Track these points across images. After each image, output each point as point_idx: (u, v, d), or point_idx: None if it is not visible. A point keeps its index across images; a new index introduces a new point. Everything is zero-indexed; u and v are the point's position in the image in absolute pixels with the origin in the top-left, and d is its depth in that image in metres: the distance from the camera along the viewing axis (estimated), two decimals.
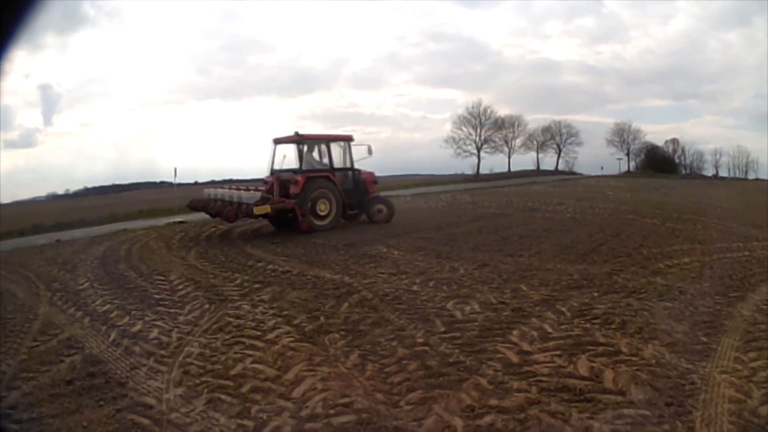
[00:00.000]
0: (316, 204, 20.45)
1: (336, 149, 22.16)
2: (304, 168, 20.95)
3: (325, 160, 21.65)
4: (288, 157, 21.92)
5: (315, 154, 22.05)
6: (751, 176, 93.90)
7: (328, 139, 22.33)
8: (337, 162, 21.93)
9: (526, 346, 7.58)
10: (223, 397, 6.09)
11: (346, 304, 9.75)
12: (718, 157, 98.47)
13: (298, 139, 21.59)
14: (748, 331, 8.53)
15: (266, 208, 19.23)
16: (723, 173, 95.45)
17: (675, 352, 7.52)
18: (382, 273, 12.37)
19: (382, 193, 24.59)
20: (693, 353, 7.49)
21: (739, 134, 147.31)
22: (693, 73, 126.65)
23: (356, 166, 22.49)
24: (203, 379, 6.57)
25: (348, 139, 22.58)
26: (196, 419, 5.62)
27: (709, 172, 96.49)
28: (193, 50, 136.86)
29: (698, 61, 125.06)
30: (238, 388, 6.30)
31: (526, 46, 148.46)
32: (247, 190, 21.97)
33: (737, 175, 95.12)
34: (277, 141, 21.99)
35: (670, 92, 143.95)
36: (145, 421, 5.54)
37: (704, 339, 8.08)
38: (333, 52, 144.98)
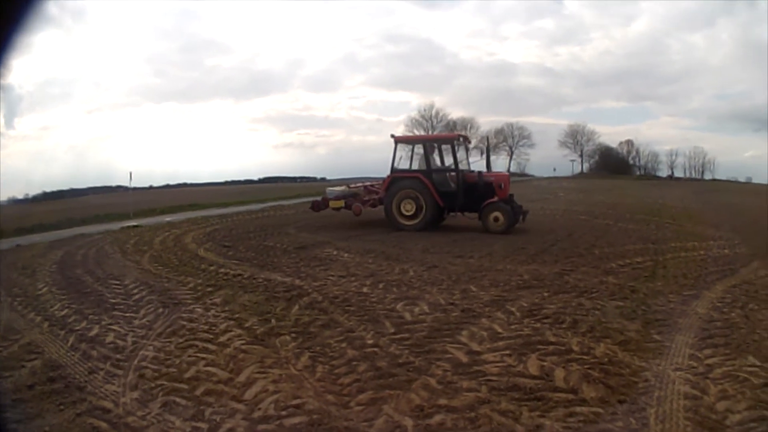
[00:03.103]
0: (401, 204, 20.65)
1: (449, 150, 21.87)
2: (416, 168, 21.33)
3: (449, 161, 21.62)
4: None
5: (435, 155, 22.07)
6: (708, 176, 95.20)
7: (431, 140, 23.07)
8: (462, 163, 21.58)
9: (475, 346, 7.65)
10: (177, 400, 6.08)
11: (296, 307, 9.80)
12: (673, 158, 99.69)
13: (415, 140, 22.96)
14: (703, 328, 8.71)
15: (340, 203, 22.54)
16: (679, 174, 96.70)
17: (627, 350, 7.61)
18: (332, 275, 12.44)
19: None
20: (646, 351, 7.61)
21: (696, 135, 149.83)
22: (652, 74, 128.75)
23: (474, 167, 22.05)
24: (158, 382, 6.55)
25: (453, 139, 22.14)
26: (152, 422, 5.59)
27: (664, 173, 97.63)
28: (152, 51, 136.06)
29: (658, 63, 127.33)
30: (192, 391, 6.30)
31: (483, 47, 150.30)
32: (365, 187, 24.84)
33: (693, 175, 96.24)
34: (398, 140, 22.19)
35: (627, 94, 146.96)
36: (104, 425, 5.52)
37: (658, 337, 8.22)
38: (290, 53, 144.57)
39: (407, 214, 20.60)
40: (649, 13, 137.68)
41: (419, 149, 21.91)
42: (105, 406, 5.98)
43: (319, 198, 23.62)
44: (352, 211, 22.19)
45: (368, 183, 26.11)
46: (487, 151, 23.25)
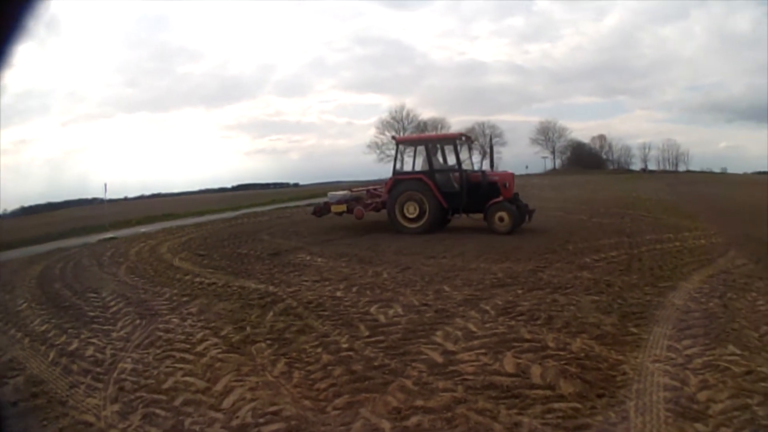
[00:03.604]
0: (404, 206, 20.33)
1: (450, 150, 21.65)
2: (419, 169, 21.00)
3: (451, 161, 21.35)
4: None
5: (438, 155, 21.67)
6: (682, 169, 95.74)
7: (433, 140, 22.27)
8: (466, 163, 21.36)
9: (450, 346, 7.68)
10: (157, 411, 6.08)
11: (271, 314, 9.82)
12: (647, 151, 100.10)
13: (416, 140, 22.37)
14: (681, 319, 8.75)
15: (342, 207, 22.00)
16: (652, 167, 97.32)
17: (604, 344, 7.65)
18: (306, 281, 12.42)
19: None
20: (623, 344, 7.64)
21: (670, 128, 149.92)
22: (625, 68, 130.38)
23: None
24: (138, 394, 6.56)
25: (455, 139, 21.53)
26: None
27: (637, 166, 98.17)
28: (124, 60, 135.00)
29: (631, 57, 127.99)
30: (171, 402, 6.31)
31: (453, 47, 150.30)
32: (368, 191, 24.30)
33: (667, 168, 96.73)
34: (399, 141, 22.40)
35: (599, 89, 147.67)
36: None
37: (635, 330, 8.24)
38: (260, 58, 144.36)
39: (410, 216, 20.27)
40: (621, 7, 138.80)
41: (421, 150, 21.47)
42: (87, 420, 5.98)
43: (320, 203, 23.37)
44: (354, 214, 21.79)
45: (371, 186, 25.85)
46: (491, 150, 22.94)
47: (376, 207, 22.05)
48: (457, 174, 20.34)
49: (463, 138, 21.83)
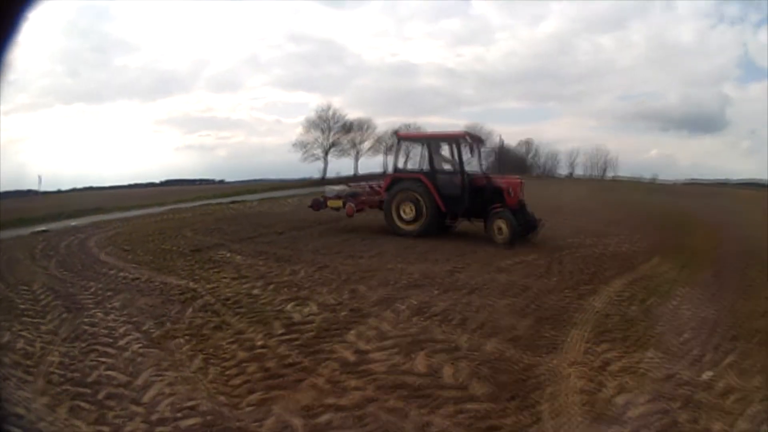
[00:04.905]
0: (401, 206, 19.44)
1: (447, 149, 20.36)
2: (422, 168, 19.98)
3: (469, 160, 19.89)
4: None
5: (444, 153, 20.56)
6: (610, 175, 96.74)
7: (436, 139, 21.03)
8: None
9: (363, 346, 7.84)
10: (82, 404, 6.13)
11: (190, 309, 9.88)
12: (574, 156, 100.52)
13: (419, 137, 21.53)
14: (599, 323, 9.09)
15: (338, 203, 21.10)
16: (580, 173, 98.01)
17: (518, 347, 7.85)
18: (225, 278, 12.46)
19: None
20: (538, 347, 7.87)
21: (601, 135, 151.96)
22: (558, 74, 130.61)
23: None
24: (64, 387, 6.60)
25: (458, 138, 19.90)
26: (60, 427, 5.70)
27: (564, 171, 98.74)
28: (65, 50, 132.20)
29: (565, 63, 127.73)
30: (95, 395, 6.36)
31: (386, 48, 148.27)
32: (370, 186, 22.84)
33: (595, 174, 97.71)
34: (401, 137, 21.78)
35: (530, 94, 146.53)
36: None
37: (551, 333, 8.52)
38: (195, 53, 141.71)
39: (406, 217, 19.35)
40: (559, 14, 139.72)
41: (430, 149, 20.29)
42: (18, 412, 5.95)
43: (319, 197, 22.44)
44: (345, 211, 21.16)
45: (374, 182, 24.11)
46: (500, 153, 22.19)
47: (372, 204, 21.23)
48: (459, 176, 19.14)
49: (468, 138, 20.11)
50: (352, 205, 20.89)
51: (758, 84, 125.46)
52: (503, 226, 17.60)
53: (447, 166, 20.19)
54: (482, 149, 21.90)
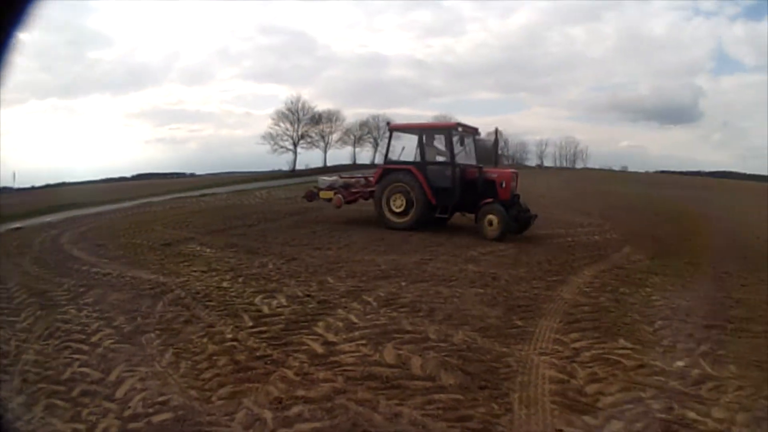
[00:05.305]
0: (391, 199, 19.21)
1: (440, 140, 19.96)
2: (412, 160, 19.61)
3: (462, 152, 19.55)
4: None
5: (436, 144, 20.21)
6: (580, 165, 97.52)
7: (428, 129, 20.86)
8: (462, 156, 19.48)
9: (331, 337, 7.90)
10: (57, 402, 6.10)
11: (161, 304, 9.85)
12: (544, 147, 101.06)
13: (411, 128, 21.07)
14: (569, 313, 9.19)
15: (330, 194, 20.84)
16: (549, 163, 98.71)
17: (488, 336, 7.94)
18: (195, 271, 12.47)
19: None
20: (508, 337, 7.93)
21: (570, 125, 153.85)
22: (529, 66, 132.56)
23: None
24: (40, 385, 6.54)
25: (450, 129, 19.57)
26: (37, 426, 5.66)
27: (533, 162, 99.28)
28: (42, 44, 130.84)
29: (536, 55, 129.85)
30: (69, 393, 6.32)
31: (356, 39, 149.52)
32: (365, 178, 22.71)
33: (565, 165, 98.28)
34: (393, 128, 21.32)
35: (501, 85, 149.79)
36: None
37: (520, 323, 8.60)
38: (167, 45, 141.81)
39: (397, 210, 19.12)
40: (531, 7, 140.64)
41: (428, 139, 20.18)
42: None
43: (313, 188, 22.35)
44: (333, 203, 20.97)
45: (369, 173, 24.08)
46: (495, 144, 21.48)
47: (363, 196, 21.17)
48: (450, 168, 18.80)
49: (460, 128, 19.51)
50: (341, 196, 20.67)
51: (732, 77, 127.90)
52: (494, 219, 17.25)
53: (439, 158, 19.89)
54: (476, 140, 21.23)
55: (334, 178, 23.18)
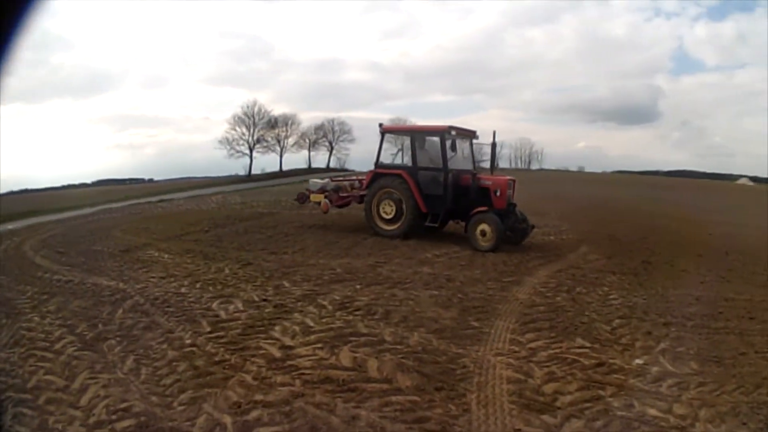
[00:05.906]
0: (380, 205, 18.24)
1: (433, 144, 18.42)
2: (402, 163, 18.85)
3: (461, 156, 18.98)
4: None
5: (429, 148, 18.75)
6: (536, 166, 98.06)
7: (421, 132, 19.27)
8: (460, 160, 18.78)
9: (288, 341, 8.03)
10: (24, 410, 6.13)
11: (120, 310, 9.86)
12: (499, 149, 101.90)
13: (403, 130, 21.02)
14: (524, 313, 9.40)
15: (320, 197, 19.88)
16: (504, 164, 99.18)
17: (443, 338, 8.10)
18: (153, 277, 12.48)
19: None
20: (463, 338, 8.10)
21: (526, 127, 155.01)
22: (485, 68, 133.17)
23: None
24: (7, 394, 6.56)
25: (442, 132, 17.99)
26: None
27: (488, 164, 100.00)
28: None
29: (492, 57, 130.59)
30: (35, 401, 6.35)
31: (313, 43, 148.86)
32: (359, 181, 21.46)
33: (520, 166, 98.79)
34: (385, 130, 19.74)
35: (456, 87, 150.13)
36: None
37: (475, 324, 8.77)
38: (127, 49, 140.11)
39: (386, 217, 18.10)
40: (488, 8, 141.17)
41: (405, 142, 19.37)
42: None
43: (305, 191, 21.44)
44: (320, 207, 20.02)
45: (362, 177, 22.00)
46: (492, 148, 20.75)
47: (353, 200, 20.21)
48: (441, 174, 17.59)
49: (453, 132, 18.07)
50: (327, 201, 19.83)
51: (692, 76, 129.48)
52: (487, 229, 16.02)
53: (431, 163, 18.48)
54: (473, 144, 20.26)
55: (326, 180, 22.42)
